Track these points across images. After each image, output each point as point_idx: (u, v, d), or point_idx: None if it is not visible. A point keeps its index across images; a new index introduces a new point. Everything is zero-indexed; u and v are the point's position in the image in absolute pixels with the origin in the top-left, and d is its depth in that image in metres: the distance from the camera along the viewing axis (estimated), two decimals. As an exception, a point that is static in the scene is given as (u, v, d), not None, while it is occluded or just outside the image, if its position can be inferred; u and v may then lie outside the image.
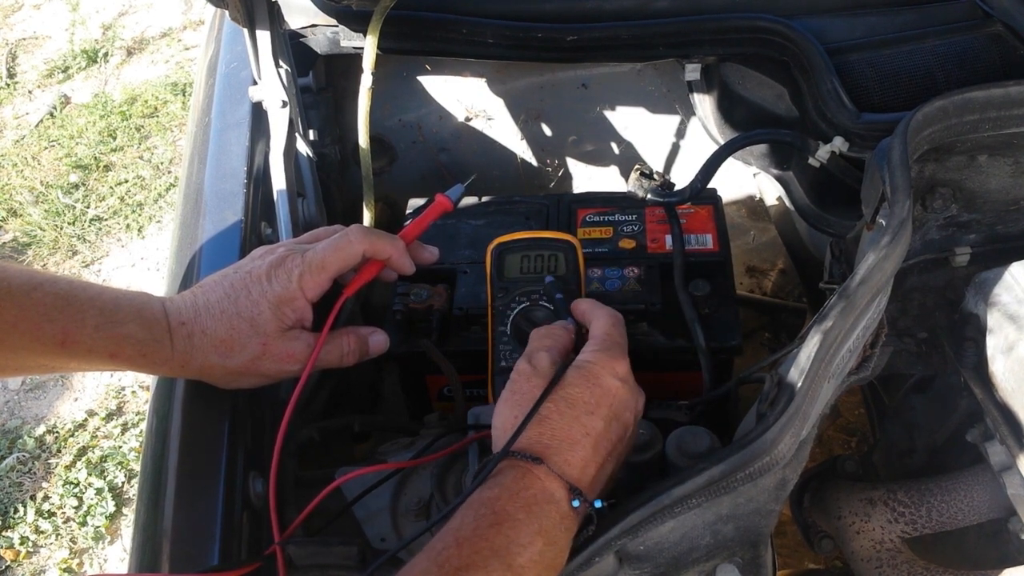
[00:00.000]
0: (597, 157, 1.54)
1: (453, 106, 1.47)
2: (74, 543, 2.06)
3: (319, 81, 1.32)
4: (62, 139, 3.23)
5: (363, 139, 1.17)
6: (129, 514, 2.09)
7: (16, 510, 2.13)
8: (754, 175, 1.61)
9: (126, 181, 3.02)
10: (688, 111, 1.44)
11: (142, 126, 3.26)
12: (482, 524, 0.62)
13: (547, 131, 1.51)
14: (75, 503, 2.12)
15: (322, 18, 1.20)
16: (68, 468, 2.20)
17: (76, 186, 3.02)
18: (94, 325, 0.74)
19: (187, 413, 0.84)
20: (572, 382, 0.71)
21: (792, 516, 1.08)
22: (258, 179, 1.09)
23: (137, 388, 2.38)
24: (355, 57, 1.19)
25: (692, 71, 1.22)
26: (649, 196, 1.08)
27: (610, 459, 0.70)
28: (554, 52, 1.18)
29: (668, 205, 1.08)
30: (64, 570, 2.00)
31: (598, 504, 0.66)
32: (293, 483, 0.83)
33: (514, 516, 0.63)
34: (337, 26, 1.20)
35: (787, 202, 1.24)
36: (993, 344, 0.87)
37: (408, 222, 0.92)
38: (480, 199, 1.21)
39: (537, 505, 0.64)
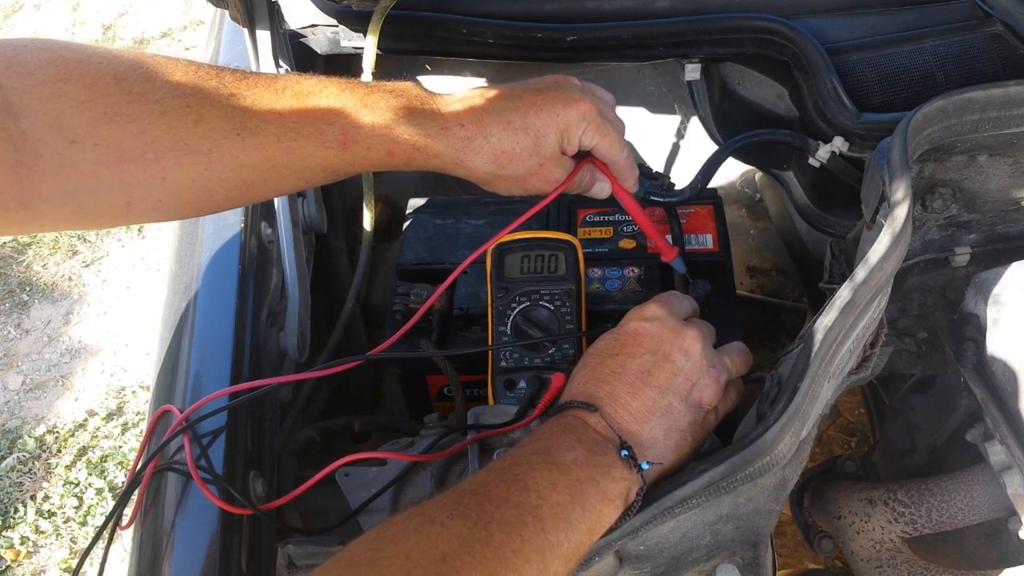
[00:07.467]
0: (597, 157, 1.54)
1: (453, 106, 1.47)
2: (74, 543, 2.06)
3: (319, 81, 1.32)
4: (62, 139, 3.23)
5: (363, 139, 1.17)
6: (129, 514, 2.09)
7: (16, 510, 2.13)
8: (755, 176, 1.61)
9: (126, 181, 3.02)
10: (688, 111, 1.43)
11: (142, 126, 3.26)
12: (520, 449, 0.65)
13: (547, 131, 1.50)
14: (75, 503, 2.12)
15: (322, 18, 1.19)
16: (68, 468, 2.20)
17: (76, 186, 3.02)
18: (370, 126, 0.76)
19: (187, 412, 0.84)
20: (601, 339, 0.75)
21: (792, 516, 1.08)
22: (258, 179, 1.08)
23: (137, 388, 2.38)
24: (355, 57, 1.19)
25: (692, 71, 1.21)
26: (649, 196, 1.08)
27: (649, 388, 0.70)
28: (554, 52, 1.17)
29: (668, 205, 1.08)
30: (64, 570, 2.01)
31: (624, 452, 0.66)
32: (293, 483, 0.84)
33: (549, 430, 0.66)
34: (337, 26, 1.20)
35: (787, 202, 1.24)
36: (993, 344, 0.87)
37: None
38: (480, 199, 1.21)
39: (571, 427, 0.67)
